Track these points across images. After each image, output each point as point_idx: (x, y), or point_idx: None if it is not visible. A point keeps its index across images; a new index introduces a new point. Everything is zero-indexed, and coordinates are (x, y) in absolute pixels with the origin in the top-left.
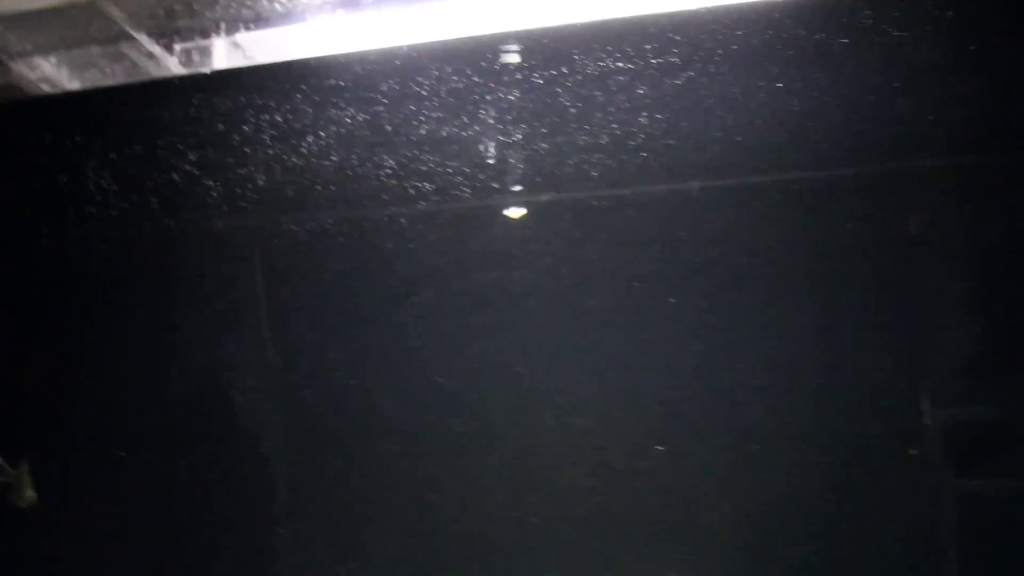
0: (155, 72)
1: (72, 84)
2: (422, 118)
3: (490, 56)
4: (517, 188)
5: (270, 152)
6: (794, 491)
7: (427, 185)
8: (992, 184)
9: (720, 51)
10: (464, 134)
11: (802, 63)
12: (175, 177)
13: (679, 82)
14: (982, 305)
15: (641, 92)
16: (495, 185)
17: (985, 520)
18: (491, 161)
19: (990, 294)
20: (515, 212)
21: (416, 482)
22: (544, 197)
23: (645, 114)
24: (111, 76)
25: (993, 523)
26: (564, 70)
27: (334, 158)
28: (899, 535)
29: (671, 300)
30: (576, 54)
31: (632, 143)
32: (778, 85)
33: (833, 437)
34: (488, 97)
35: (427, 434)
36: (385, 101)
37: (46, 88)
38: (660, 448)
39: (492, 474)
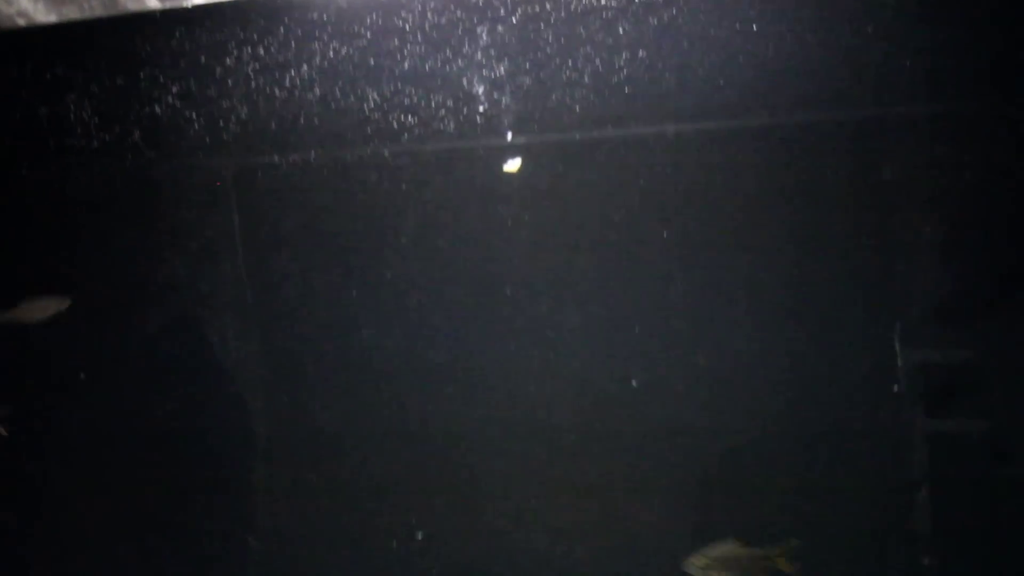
0: (132, 6)
1: (49, 18)
2: (406, 52)
3: None
4: (500, 123)
5: (252, 85)
6: (770, 429)
7: (411, 119)
8: (966, 131)
9: None
10: (447, 69)
11: (783, 7)
12: (157, 110)
13: (662, 21)
14: (955, 250)
15: (624, 30)
16: (478, 120)
17: (955, 459)
18: (474, 95)
19: (963, 240)
20: (498, 148)
21: (398, 414)
22: (526, 133)
23: (627, 52)
24: (88, 11)
25: (962, 462)
26: (548, 6)
27: (317, 91)
28: (871, 473)
29: (662, 235)
30: None
31: (614, 80)
32: (756, 28)
33: (807, 377)
34: (472, 32)
35: (409, 366)
36: (368, 35)
37: (21, 23)
38: (634, 383)
39: (475, 405)
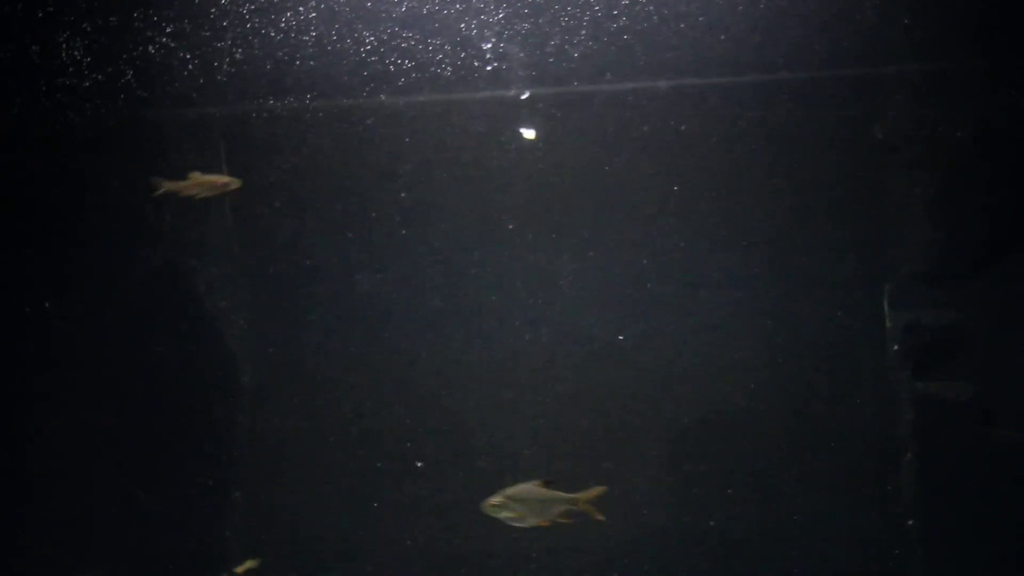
0: None
1: None
2: None
3: None
4: (497, 67)
5: (248, 26)
6: (759, 386)
7: (408, 62)
8: (958, 92)
9: None
10: (445, 12)
11: None
12: (150, 49)
13: None
14: (944, 212)
15: None
16: (475, 64)
17: (940, 420)
18: (472, 40)
19: (953, 201)
20: (495, 94)
21: (394, 358)
22: (523, 79)
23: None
24: None
25: (947, 423)
26: None
27: (313, 34)
28: (858, 433)
29: (656, 187)
30: None
31: (613, 26)
32: None
33: (796, 337)
34: None
35: (405, 311)
36: None
37: None
38: (620, 337)
39: (470, 350)
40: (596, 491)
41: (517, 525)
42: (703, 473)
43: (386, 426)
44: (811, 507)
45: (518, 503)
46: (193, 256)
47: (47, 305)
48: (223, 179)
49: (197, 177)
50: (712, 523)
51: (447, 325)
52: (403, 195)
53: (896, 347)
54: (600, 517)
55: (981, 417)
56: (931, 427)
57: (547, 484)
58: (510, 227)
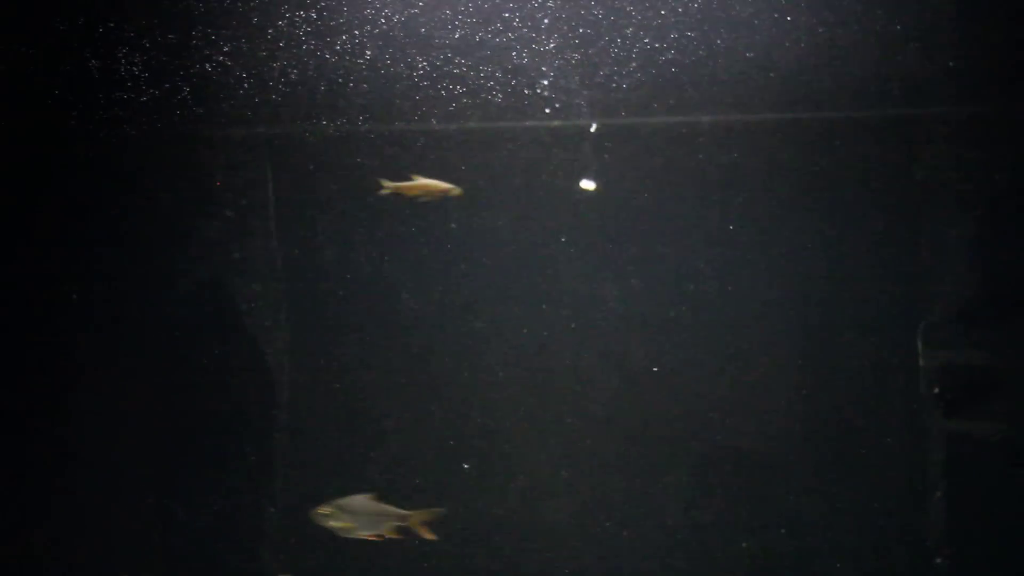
0: None
1: None
2: (456, 22)
3: None
4: (547, 95)
5: (303, 48)
6: (791, 422)
7: (459, 88)
8: (997, 134)
9: None
10: (497, 40)
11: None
12: (207, 68)
13: (710, 3)
14: (981, 253)
15: (673, 8)
16: (526, 92)
17: (971, 460)
18: (522, 68)
19: (989, 242)
20: (545, 123)
21: (430, 376)
22: (573, 108)
23: (675, 33)
24: None
25: (979, 464)
26: None
27: (368, 56)
28: (889, 470)
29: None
30: None
31: (662, 59)
32: (801, 19)
33: (830, 373)
34: (522, 5)
35: (443, 331)
36: (421, 4)
37: None
38: (655, 369)
39: (510, 372)
40: (431, 512)
41: (345, 536)
42: (731, 501)
43: (424, 444)
44: (838, 541)
45: (348, 514)
46: (237, 273)
47: (93, 316)
48: (445, 185)
49: (420, 180)
50: (739, 550)
51: (488, 347)
52: (451, 218)
53: (929, 385)
54: (431, 536)
55: (1012, 458)
56: (961, 466)
57: (380, 498)
58: (554, 253)
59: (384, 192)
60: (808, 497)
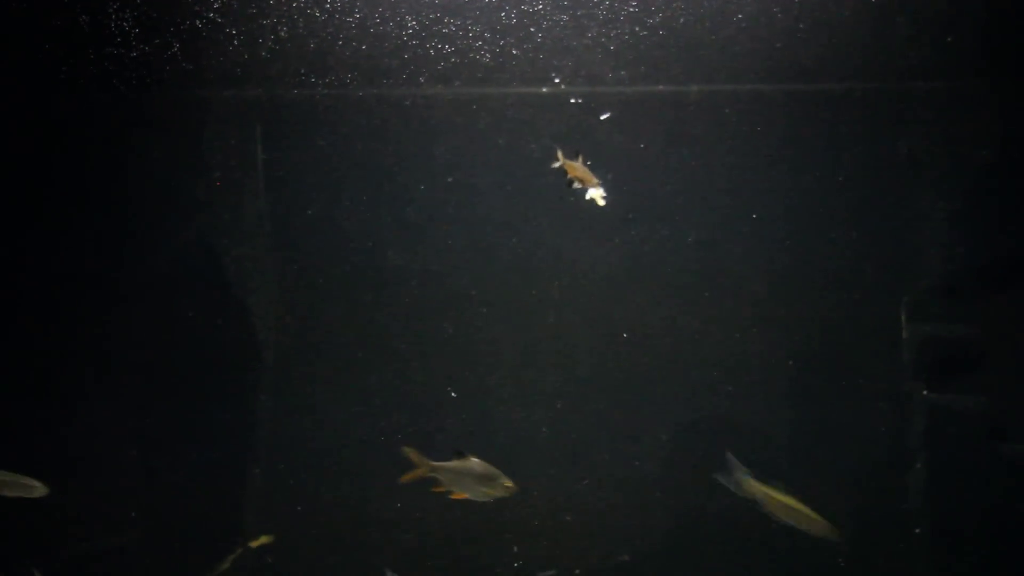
0: None
1: None
2: None
3: None
4: (535, 56)
5: (293, 5)
6: (771, 386)
7: (448, 47)
8: (984, 109)
9: None
10: (486, 1)
11: None
12: (198, 24)
13: None
14: (965, 227)
15: None
16: (514, 52)
17: (951, 432)
18: (512, 28)
19: (974, 217)
20: (532, 84)
21: (416, 336)
22: (561, 70)
23: None
24: None
25: (959, 435)
26: None
27: (357, 15)
28: (870, 441)
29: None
30: None
31: (650, 21)
32: None
33: (814, 345)
34: None
35: (430, 291)
36: None
37: None
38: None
39: (495, 333)
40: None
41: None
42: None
43: (407, 401)
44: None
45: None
46: (223, 233)
47: (79, 272)
48: (595, 180)
49: (580, 167)
50: (715, 512)
51: (473, 305)
52: (435, 177)
53: (911, 358)
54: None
55: (993, 432)
56: (942, 439)
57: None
58: (540, 215)
59: (556, 165)
60: (785, 466)
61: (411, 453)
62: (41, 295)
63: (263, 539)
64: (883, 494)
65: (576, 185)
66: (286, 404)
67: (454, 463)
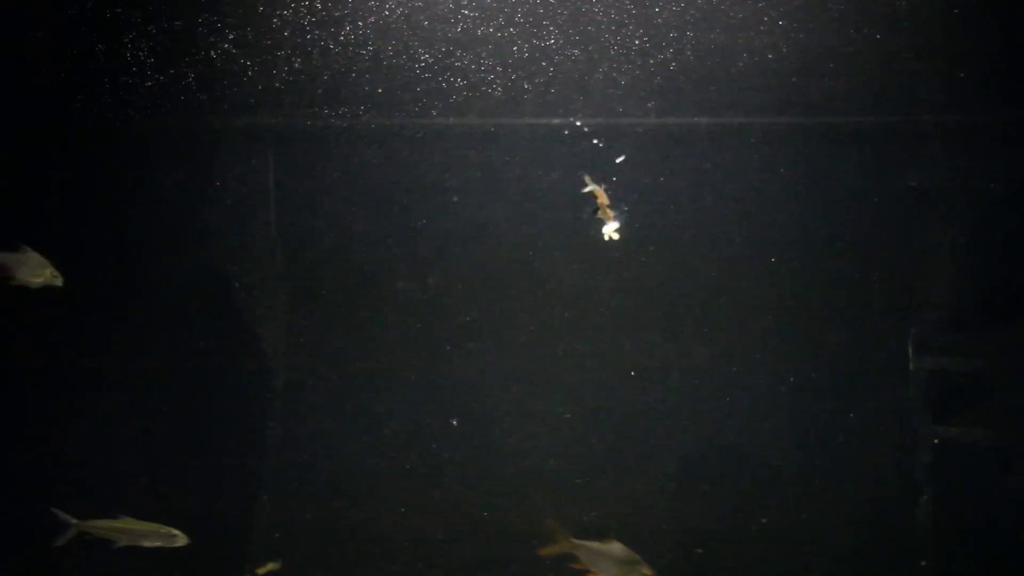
0: None
1: None
2: (459, 16)
3: None
4: (547, 91)
5: (307, 37)
6: (780, 419)
7: (460, 80)
8: (992, 143)
9: None
10: (499, 35)
11: (823, 5)
12: (212, 55)
13: (710, 3)
14: (973, 260)
15: (673, 9)
16: (526, 86)
17: (958, 464)
18: (523, 63)
19: (981, 250)
20: (543, 117)
21: (428, 365)
22: (572, 105)
23: (674, 32)
24: None
25: (965, 467)
26: None
27: (370, 48)
28: (878, 473)
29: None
30: None
31: (660, 56)
32: (798, 23)
33: (819, 373)
34: (524, 2)
35: (442, 320)
36: None
37: None
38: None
39: (502, 362)
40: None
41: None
42: (717, 498)
43: (416, 429)
44: (824, 543)
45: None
46: (234, 261)
47: (94, 298)
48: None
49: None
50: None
51: (482, 335)
52: (447, 207)
53: (918, 391)
54: None
55: (999, 465)
56: (949, 471)
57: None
58: (550, 245)
59: (586, 190)
60: (794, 499)
61: (554, 527)
62: (56, 317)
63: (270, 566)
64: (890, 526)
65: (598, 215)
66: (295, 431)
67: (596, 544)
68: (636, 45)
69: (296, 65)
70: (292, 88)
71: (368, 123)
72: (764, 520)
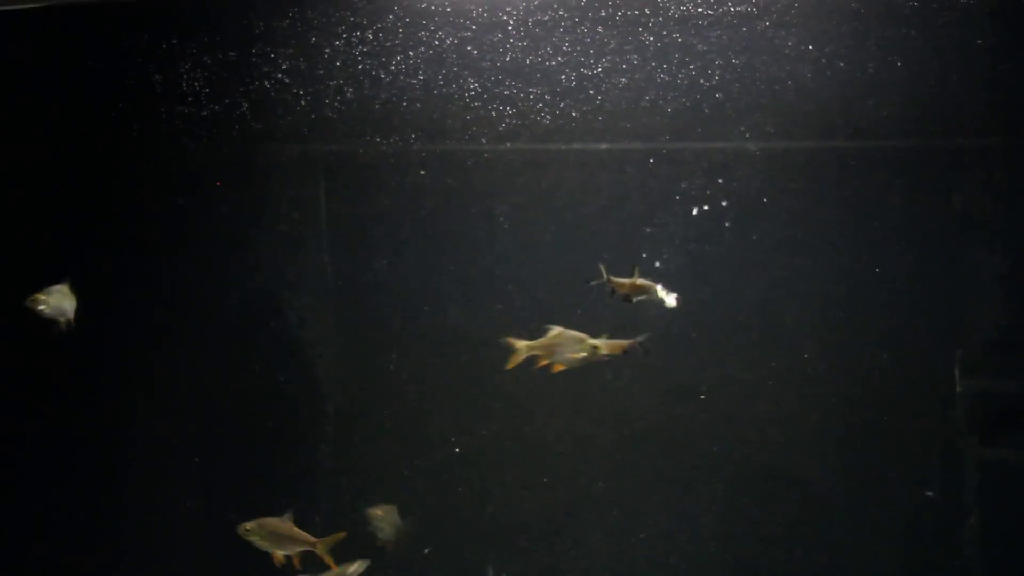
0: None
1: None
2: (508, 46)
3: None
4: (595, 118)
5: (359, 67)
6: (826, 442)
7: (508, 108)
8: None
9: (796, 4)
10: (547, 64)
11: (866, 32)
12: (266, 84)
13: (755, 32)
14: (1018, 282)
15: (718, 36)
16: (574, 114)
17: (1006, 487)
18: (571, 91)
19: None
20: (591, 144)
21: (473, 392)
22: (619, 132)
23: (720, 60)
24: None
25: (1013, 490)
26: (647, 10)
27: (421, 77)
28: (923, 497)
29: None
30: None
31: (707, 84)
32: (842, 49)
33: (870, 401)
34: (572, 31)
35: (488, 346)
36: (474, 27)
37: None
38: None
39: (553, 384)
40: (335, 537)
41: (264, 550)
42: (766, 520)
43: (469, 453)
44: (872, 566)
45: (265, 532)
46: (287, 288)
47: (148, 324)
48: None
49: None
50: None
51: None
52: (497, 235)
53: (965, 413)
54: (333, 566)
55: None
56: (996, 494)
57: (294, 522)
58: (600, 269)
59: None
60: (841, 522)
61: (510, 341)
62: (110, 344)
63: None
64: (936, 550)
65: (639, 297)
66: (346, 458)
67: (545, 339)
68: (682, 73)
69: (348, 94)
70: (344, 117)
71: (418, 151)
72: (811, 542)
